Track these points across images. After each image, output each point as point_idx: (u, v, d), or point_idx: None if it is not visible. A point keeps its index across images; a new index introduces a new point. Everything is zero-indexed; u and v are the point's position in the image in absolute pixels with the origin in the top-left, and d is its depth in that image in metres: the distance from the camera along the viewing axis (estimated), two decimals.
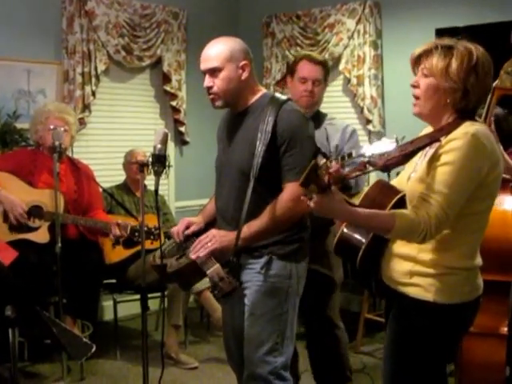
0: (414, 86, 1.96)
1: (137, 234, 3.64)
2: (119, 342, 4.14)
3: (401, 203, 2.04)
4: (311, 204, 1.80)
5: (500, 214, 2.72)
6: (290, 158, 2.28)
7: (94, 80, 4.56)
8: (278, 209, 2.29)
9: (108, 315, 4.70)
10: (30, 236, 3.70)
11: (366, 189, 2.24)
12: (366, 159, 1.70)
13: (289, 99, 2.40)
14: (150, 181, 2.83)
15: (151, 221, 3.63)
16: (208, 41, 2.41)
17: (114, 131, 4.89)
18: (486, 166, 1.86)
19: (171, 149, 5.13)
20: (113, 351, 4.09)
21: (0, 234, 3.66)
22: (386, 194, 2.13)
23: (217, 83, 2.34)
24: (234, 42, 2.37)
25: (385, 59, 4.82)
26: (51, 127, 3.54)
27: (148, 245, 3.31)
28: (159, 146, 2.44)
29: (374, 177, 3.93)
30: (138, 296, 3.54)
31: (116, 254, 4.08)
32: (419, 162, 2.01)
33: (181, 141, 5.30)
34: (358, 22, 4.82)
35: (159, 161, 2.43)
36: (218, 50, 2.34)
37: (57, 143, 3.37)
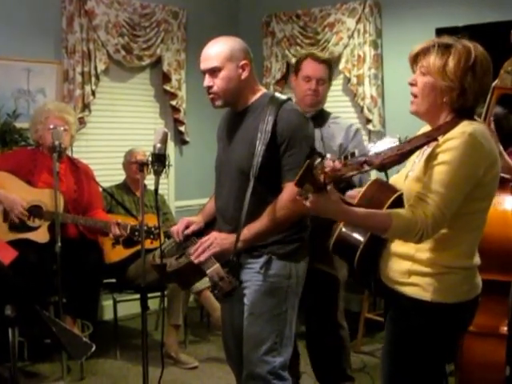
0: (412, 84, 1.96)
1: (137, 233, 3.64)
2: (119, 341, 4.14)
3: (398, 202, 2.04)
4: (307, 204, 1.79)
5: (500, 213, 2.72)
6: (290, 158, 2.28)
7: (93, 79, 4.56)
8: (277, 209, 2.28)
9: (108, 315, 4.70)
10: (30, 235, 3.70)
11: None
12: (363, 158, 1.69)
13: (289, 99, 2.40)
14: (149, 180, 2.83)
15: (151, 220, 3.63)
16: (208, 40, 2.41)
17: (114, 131, 4.89)
18: (484, 165, 1.85)
19: (171, 148, 5.13)
20: (113, 351, 4.09)
21: (0, 233, 3.66)
22: (383, 193, 2.13)
23: (217, 83, 2.34)
24: (233, 42, 2.37)
25: (385, 59, 4.82)
26: (51, 127, 3.54)
27: (148, 244, 3.32)
28: (159, 145, 2.44)
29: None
30: (137, 295, 3.53)
31: (116, 254, 4.08)
32: (417, 160, 2.00)
33: (181, 140, 5.30)
34: (358, 22, 4.82)
35: (159, 160, 2.43)
36: (217, 50, 2.33)
37: (56, 143, 3.36)
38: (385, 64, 4.82)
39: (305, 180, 1.74)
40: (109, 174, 4.59)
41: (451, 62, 1.86)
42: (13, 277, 1.92)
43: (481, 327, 2.64)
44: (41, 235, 3.71)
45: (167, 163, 2.46)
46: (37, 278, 3.54)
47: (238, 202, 2.33)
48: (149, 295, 2.89)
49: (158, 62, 5.02)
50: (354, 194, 2.25)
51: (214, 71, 2.33)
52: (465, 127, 1.85)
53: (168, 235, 2.96)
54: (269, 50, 5.32)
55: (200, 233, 2.56)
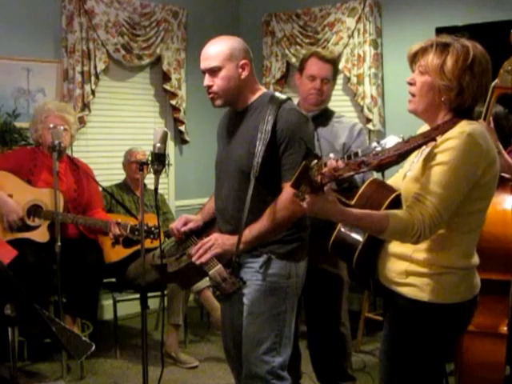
0: (411, 84, 1.95)
1: (136, 233, 3.64)
2: (119, 341, 4.14)
3: (397, 202, 2.03)
4: (304, 205, 1.78)
5: (500, 213, 2.72)
6: (290, 158, 2.28)
7: (93, 79, 4.56)
8: (277, 210, 2.28)
9: (108, 314, 4.70)
10: (30, 235, 3.70)
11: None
12: (360, 159, 1.69)
13: (288, 98, 2.39)
14: (149, 180, 2.83)
15: (151, 220, 3.63)
16: (208, 39, 2.40)
17: (114, 130, 4.89)
18: (482, 165, 1.84)
19: (171, 148, 5.13)
20: (113, 350, 4.08)
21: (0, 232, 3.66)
22: (381, 193, 2.12)
23: (217, 82, 2.33)
24: (233, 41, 2.37)
25: (385, 58, 4.82)
26: (51, 126, 3.54)
27: (148, 244, 3.31)
28: (159, 144, 2.44)
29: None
30: (137, 295, 3.53)
31: (115, 254, 4.08)
32: (415, 160, 1.99)
33: (180, 140, 5.29)
34: (357, 21, 4.82)
35: (159, 159, 2.43)
36: (217, 50, 2.33)
37: (56, 142, 3.36)
38: (385, 63, 4.82)
39: (301, 181, 1.73)
40: (108, 173, 4.59)
41: (449, 62, 1.86)
42: (12, 276, 1.92)
43: (481, 327, 2.65)
44: (41, 235, 3.71)
45: (167, 162, 2.46)
46: (36, 278, 3.55)
47: (238, 201, 2.33)
48: (149, 295, 2.89)
49: (158, 61, 5.02)
50: None
51: (213, 71, 2.33)
52: (463, 127, 1.84)
53: (168, 235, 2.96)
54: (269, 50, 5.32)
55: (199, 232, 2.56)
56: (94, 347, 2.00)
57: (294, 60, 5.15)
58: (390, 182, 2.21)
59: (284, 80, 5.28)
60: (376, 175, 2.34)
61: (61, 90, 4.47)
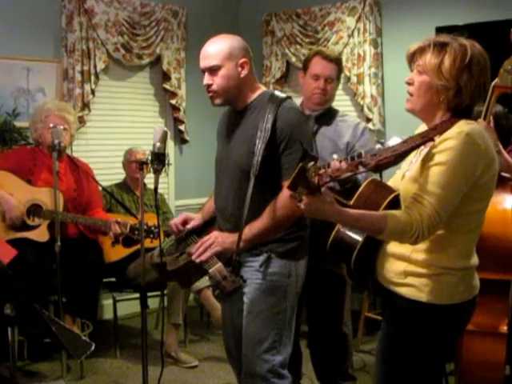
0: (409, 83, 1.94)
1: (136, 232, 3.64)
2: (119, 340, 4.14)
3: (395, 202, 2.03)
4: (301, 206, 1.77)
5: (500, 212, 2.72)
6: (290, 156, 2.27)
7: (93, 78, 4.56)
8: (277, 208, 2.28)
9: (108, 314, 4.70)
10: (30, 234, 3.70)
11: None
12: (358, 160, 1.68)
13: (288, 97, 2.39)
14: (149, 179, 2.82)
15: (151, 219, 3.63)
16: (208, 39, 2.40)
17: (114, 129, 4.89)
18: (481, 165, 1.83)
19: (171, 147, 5.13)
20: (112, 350, 4.08)
21: None
22: (379, 193, 2.11)
23: (216, 81, 2.33)
24: (233, 40, 2.37)
25: (385, 57, 4.82)
26: (51, 125, 3.54)
27: (148, 243, 3.31)
28: (158, 144, 2.44)
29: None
30: (137, 295, 3.53)
31: (115, 253, 4.08)
32: (414, 160, 1.98)
33: (180, 139, 5.29)
34: (357, 20, 4.82)
35: (158, 159, 2.43)
36: (216, 48, 2.33)
37: (56, 141, 3.36)
38: (385, 63, 4.82)
39: (298, 183, 1.71)
40: (108, 172, 4.59)
41: (447, 61, 1.85)
42: (12, 276, 1.91)
43: (481, 326, 2.65)
44: (40, 234, 3.70)
45: (167, 162, 2.46)
46: (36, 278, 3.55)
47: (238, 200, 2.33)
48: (148, 294, 2.89)
49: (158, 60, 5.02)
50: None
51: (213, 70, 2.33)
52: (461, 127, 1.83)
53: (168, 234, 2.96)
54: (268, 49, 5.32)
55: (199, 231, 2.56)
56: (93, 347, 2.00)
57: (293, 59, 5.15)
58: (389, 182, 2.20)
59: (284, 79, 5.29)
60: (374, 176, 2.34)
61: (60, 89, 4.47)
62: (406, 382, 2.00)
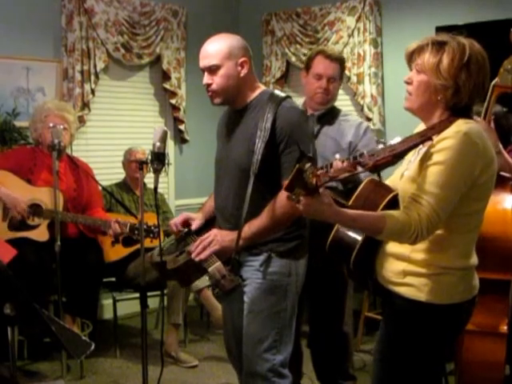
0: (408, 83, 1.94)
1: (136, 232, 3.63)
2: (119, 340, 4.14)
3: (394, 202, 2.02)
4: (300, 207, 1.76)
5: (500, 212, 2.72)
6: (289, 156, 2.27)
7: (93, 78, 4.56)
8: (277, 207, 2.28)
9: (108, 314, 4.70)
10: (30, 234, 3.70)
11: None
12: (356, 160, 1.68)
13: (288, 96, 2.39)
14: (149, 179, 2.83)
15: (151, 219, 3.63)
16: (207, 38, 2.40)
17: (114, 129, 4.89)
18: (479, 165, 1.82)
19: (171, 147, 5.12)
20: (112, 350, 4.08)
21: None
22: (378, 193, 2.11)
23: (216, 80, 2.33)
24: (232, 39, 2.37)
25: (385, 57, 4.82)
26: (50, 125, 3.53)
27: (147, 243, 3.31)
28: (158, 143, 2.44)
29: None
30: (137, 294, 3.53)
31: (115, 253, 4.08)
32: (412, 159, 1.98)
33: (180, 139, 5.29)
34: (357, 20, 4.81)
35: (158, 159, 2.43)
36: (216, 48, 2.33)
37: (56, 141, 3.36)
38: (385, 62, 4.82)
39: (295, 184, 1.70)
40: (108, 172, 4.59)
41: (445, 60, 1.84)
42: (12, 276, 1.91)
43: (481, 326, 2.64)
44: (40, 234, 3.70)
45: (167, 162, 2.46)
46: (36, 277, 3.54)
47: (238, 199, 2.33)
48: (148, 294, 2.89)
49: (158, 60, 5.02)
50: None
51: (212, 69, 2.33)
52: (459, 126, 1.82)
53: (168, 234, 2.96)
54: (268, 49, 5.32)
55: (199, 230, 2.56)
56: (93, 346, 2.00)
57: (293, 59, 5.15)
58: (388, 181, 2.20)
59: (284, 79, 5.28)
60: (373, 175, 2.34)
61: (60, 89, 4.47)
62: (406, 382, 1.99)
